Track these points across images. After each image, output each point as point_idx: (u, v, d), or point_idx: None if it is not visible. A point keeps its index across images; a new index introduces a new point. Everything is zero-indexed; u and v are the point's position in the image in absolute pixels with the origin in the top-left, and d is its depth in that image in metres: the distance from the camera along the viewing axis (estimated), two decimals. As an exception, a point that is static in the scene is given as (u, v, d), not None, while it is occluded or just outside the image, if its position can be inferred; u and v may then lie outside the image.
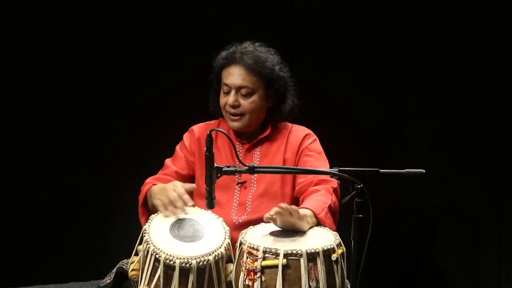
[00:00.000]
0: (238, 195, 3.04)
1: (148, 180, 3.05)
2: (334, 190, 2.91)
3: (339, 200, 2.91)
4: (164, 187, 2.87)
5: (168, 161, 3.14)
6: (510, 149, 3.67)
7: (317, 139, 3.12)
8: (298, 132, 3.11)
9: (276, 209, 2.66)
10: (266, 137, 3.10)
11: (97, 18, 4.04)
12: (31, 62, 4.02)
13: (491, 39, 3.66)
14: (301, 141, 3.07)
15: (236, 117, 3.03)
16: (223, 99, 3.04)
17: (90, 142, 4.09)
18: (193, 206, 2.85)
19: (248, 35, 3.14)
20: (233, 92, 3.01)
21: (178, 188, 2.83)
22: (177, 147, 3.16)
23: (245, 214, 3.00)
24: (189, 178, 3.11)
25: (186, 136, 3.16)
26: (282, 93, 3.08)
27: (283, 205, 2.66)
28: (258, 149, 3.10)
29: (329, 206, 2.84)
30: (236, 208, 3.02)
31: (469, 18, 3.69)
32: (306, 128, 3.14)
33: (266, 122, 3.12)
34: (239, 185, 3.05)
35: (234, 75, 3.01)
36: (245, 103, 3.01)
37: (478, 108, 3.71)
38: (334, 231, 2.81)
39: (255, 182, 3.05)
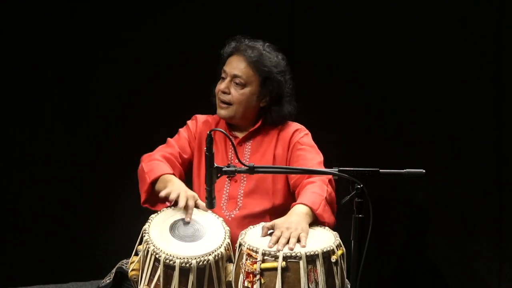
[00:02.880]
0: (228, 188, 3.04)
1: (156, 156, 3.03)
2: (329, 181, 2.90)
3: (334, 190, 2.90)
4: (185, 191, 2.84)
5: (171, 140, 3.14)
6: (510, 149, 3.66)
7: (309, 134, 3.11)
8: (289, 127, 3.11)
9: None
10: (258, 131, 3.10)
11: (97, 17, 4.04)
12: (31, 62, 4.03)
13: (492, 39, 3.66)
14: (291, 136, 3.07)
15: (224, 105, 3.06)
16: (218, 86, 3.08)
17: (90, 142, 4.10)
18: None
19: (248, 35, 3.14)
20: (227, 79, 3.05)
21: (190, 201, 2.81)
22: (181, 130, 3.18)
23: (237, 209, 3.00)
24: (188, 162, 3.11)
25: (190, 122, 3.19)
26: (277, 96, 3.08)
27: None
28: (249, 143, 3.10)
29: (326, 198, 2.83)
30: (226, 202, 3.02)
31: (469, 18, 3.69)
32: (298, 124, 3.14)
33: (257, 119, 3.12)
34: (229, 178, 3.05)
35: (233, 64, 3.05)
36: (235, 93, 3.04)
37: (478, 107, 3.71)
38: (333, 222, 2.81)
39: (245, 176, 3.05)
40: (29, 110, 4.06)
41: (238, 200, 3.02)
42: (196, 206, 2.83)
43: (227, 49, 3.11)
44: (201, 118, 3.18)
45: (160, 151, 3.08)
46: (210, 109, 3.18)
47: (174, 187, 2.83)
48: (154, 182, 2.94)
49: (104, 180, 4.07)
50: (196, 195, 2.87)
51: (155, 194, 2.92)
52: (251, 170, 2.52)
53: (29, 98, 4.05)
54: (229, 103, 3.04)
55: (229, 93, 3.04)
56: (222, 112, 3.06)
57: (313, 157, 3.01)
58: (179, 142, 3.13)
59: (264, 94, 3.07)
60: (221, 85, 3.05)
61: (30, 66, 4.03)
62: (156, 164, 2.98)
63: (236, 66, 3.04)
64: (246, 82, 3.04)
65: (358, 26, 3.85)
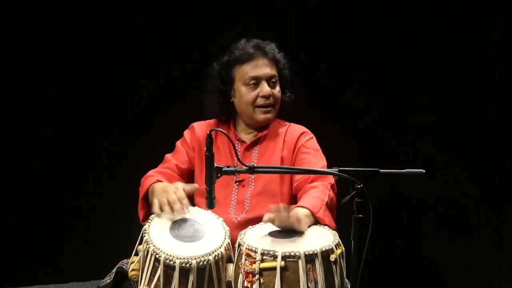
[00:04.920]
0: (236, 193, 3.04)
1: (150, 173, 3.05)
2: (332, 186, 2.90)
3: (336, 196, 2.90)
4: (166, 188, 2.85)
5: (168, 155, 3.14)
6: (510, 149, 3.66)
7: (314, 137, 3.12)
8: (295, 130, 3.12)
9: (274, 208, 2.67)
10: (265, 135, 3.10)
11: (97, 17, 4.04)
12: (31, 62, 4.03)
13: (492, 39, 3.66)
14: (297, 139, 3.08)
15: (269, 109, 3.07)
16: (252, 93, 3.05)
17: (90, 142, 4.09)
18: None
19: (248, 35, 3.14)
20: (265, 83, 3.04)
21: (179, 191, 2.81)
22: (178, 143, 3.16)
23: (244, 213, 3.00)
24: (188, 172, 3.11)
25: (186, 132, 3.17)
26: (287, 83, 3.14)
27: (281, 206, 2.67)
28: (257, 148, 3.10)
29: (326, 203, 2.83)
30: (234, 206, 3.02)
31: (469, 18, 3.69)
32: (303, 127, 3.15)
33: None
34: (237, 183, 3.05)
35: (262, 66, 3.05)
36: (275, 92, 3.07)
37: (478, 107, 3.71)
38: (334, 227, 2.81)
39: (253, 181, 3.05)
40: (29, 110, 4.05)
41: (245, 203, 3.01)
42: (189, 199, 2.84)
43: (243, 54, 3.06)
44: (198, 125, 3.17)
45: (156, 169, 3.09)
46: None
47: (156, 199, 2.81)
48: (146, 198, 2.95)
49: (104, 180, 4.06)
50: (180, 184, 2.85)
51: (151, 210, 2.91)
52: (251, 170, 2.52)
53: (29, 98, 4.05)
54: (272, 105, 3.06)
55: (271, 95, 3.05)
56: (269, 116, 3.07)
57: (317, 161, 3.02)
58: (176, 155, 3.12)
59: (282, 85, 3.12)
60: (264, 90, 3.02)
61: (30, 66, 4.03)
62: (148, 180, 2.98)
63: (265, 67, 3.05)
64: (277, 79, 3.09)
65: (358, 26, 3.85)
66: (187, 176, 3.11)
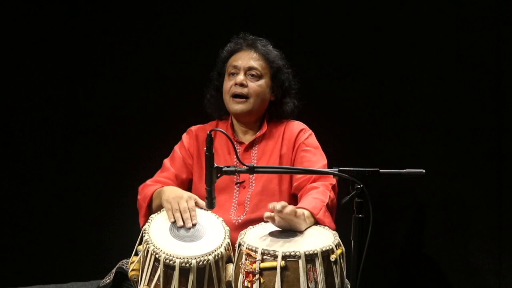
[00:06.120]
0: (237, 195, 3.04)
1: (148, 182, 3.03)
2: (333, 187, 2.90)
3: (337, 197, 2.90)
4: (180, 195, 2.83)
5: (166, 162, 3.13)
6: (510, 149, 3.66)
7: (313, 134, 3.12)
8: (293, 127, 3.11)
9: (275, 206, 2.66)
10: (263, 135, 3.10)
11: (97, 17, 4.04)
12: (31, 62, 4.03)
13: (492, 38, 3.66)
14: (296, 136, 3.08)
15: (242, 99, 3.04)
16: (228, 83, 3.06)
17: (90, 142, 4.10)
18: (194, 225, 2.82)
19: (249, 34, 3.14)
20: (242, 72, 3.04)
21: (191, 202, 2.81)
22: (176, 147, 3.15)
23: (244, 214, 3.00)
24: (188, 181, 3.11)
25: (184, 137, 3.16)
26: (285, 90, 3.10)
27: (279, 205, 2.66)
28: (256, 148, 3.10)
29: (327, 205, 2.83)
30: (235, 208, 3.01)
31: (469, 18, 3.69)
32: (301, 123, 3.15)
33: (263, 119, 3.13)
34: (238, 185, 3.04)
35: (245, 57, 3.06)
36: (253, 85, 3.04)
37: (478, 107, 3.71)
38: (333, 228, 2.81)
39: (253, 181, 3.04)
40: (29, 110, 4.06)
41: (246, 204, 3.01)
42: (197, 205, 2.84)
43: (233, 46, 3.10)
44: (196, 129, 3.16)
45: (154, 177, 3.07)
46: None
47: (168, 203, 2.79)
48: (150, 205, 2.95)
49: (104, 180, 4.07)
50: (193, 196, 2.86)
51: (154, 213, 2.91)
52: (251, 170, 2.52)
53: (29, 98, 4.05)
54: (246, 97, 3.03)
55: (246, 86, 3.03)
56: (240, 106, 3.04)
57: (317, 159, 3.02)
58: (174, 163, 3.11)
59: (274, 88, 3.09)
60: (237, 78, 3.03)
61: (30, 66, 4.03)
62: (148, 189, 2.98)
63: (248, 59, 3.05)
64: (261, 74, 3.06)
65: (358, 26, 3.85)
66: (186, 185, 3.10)
